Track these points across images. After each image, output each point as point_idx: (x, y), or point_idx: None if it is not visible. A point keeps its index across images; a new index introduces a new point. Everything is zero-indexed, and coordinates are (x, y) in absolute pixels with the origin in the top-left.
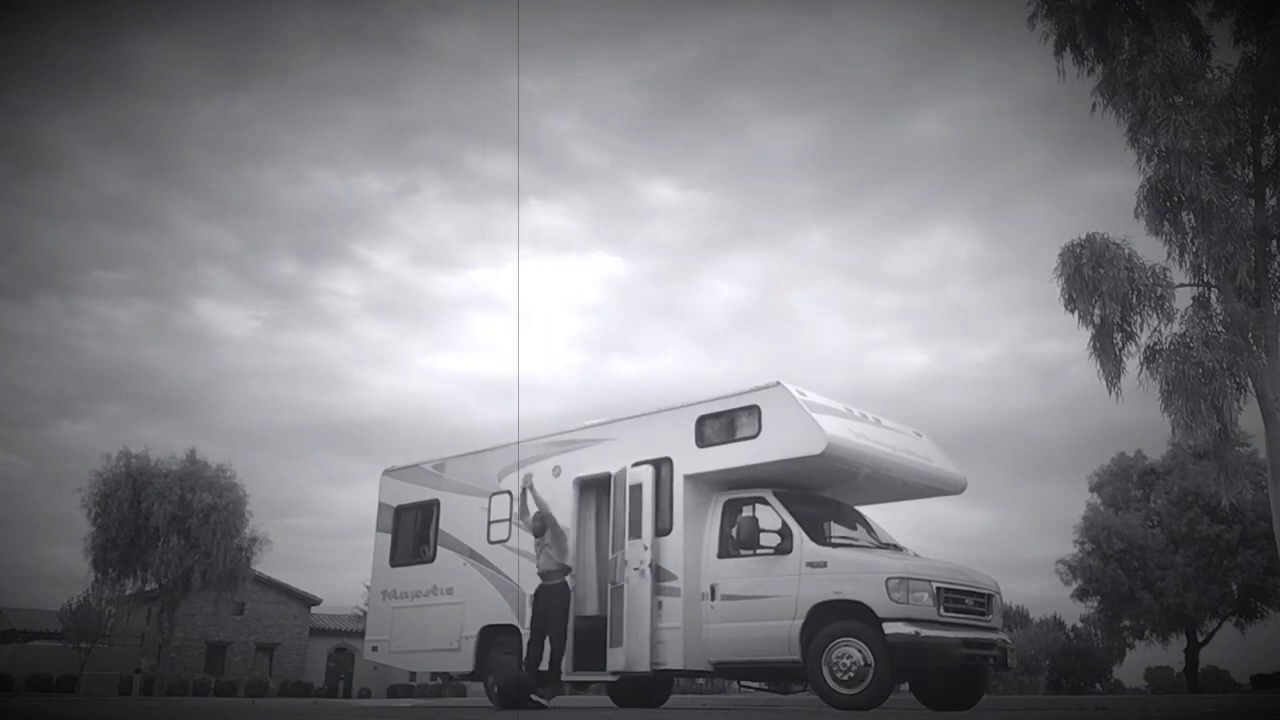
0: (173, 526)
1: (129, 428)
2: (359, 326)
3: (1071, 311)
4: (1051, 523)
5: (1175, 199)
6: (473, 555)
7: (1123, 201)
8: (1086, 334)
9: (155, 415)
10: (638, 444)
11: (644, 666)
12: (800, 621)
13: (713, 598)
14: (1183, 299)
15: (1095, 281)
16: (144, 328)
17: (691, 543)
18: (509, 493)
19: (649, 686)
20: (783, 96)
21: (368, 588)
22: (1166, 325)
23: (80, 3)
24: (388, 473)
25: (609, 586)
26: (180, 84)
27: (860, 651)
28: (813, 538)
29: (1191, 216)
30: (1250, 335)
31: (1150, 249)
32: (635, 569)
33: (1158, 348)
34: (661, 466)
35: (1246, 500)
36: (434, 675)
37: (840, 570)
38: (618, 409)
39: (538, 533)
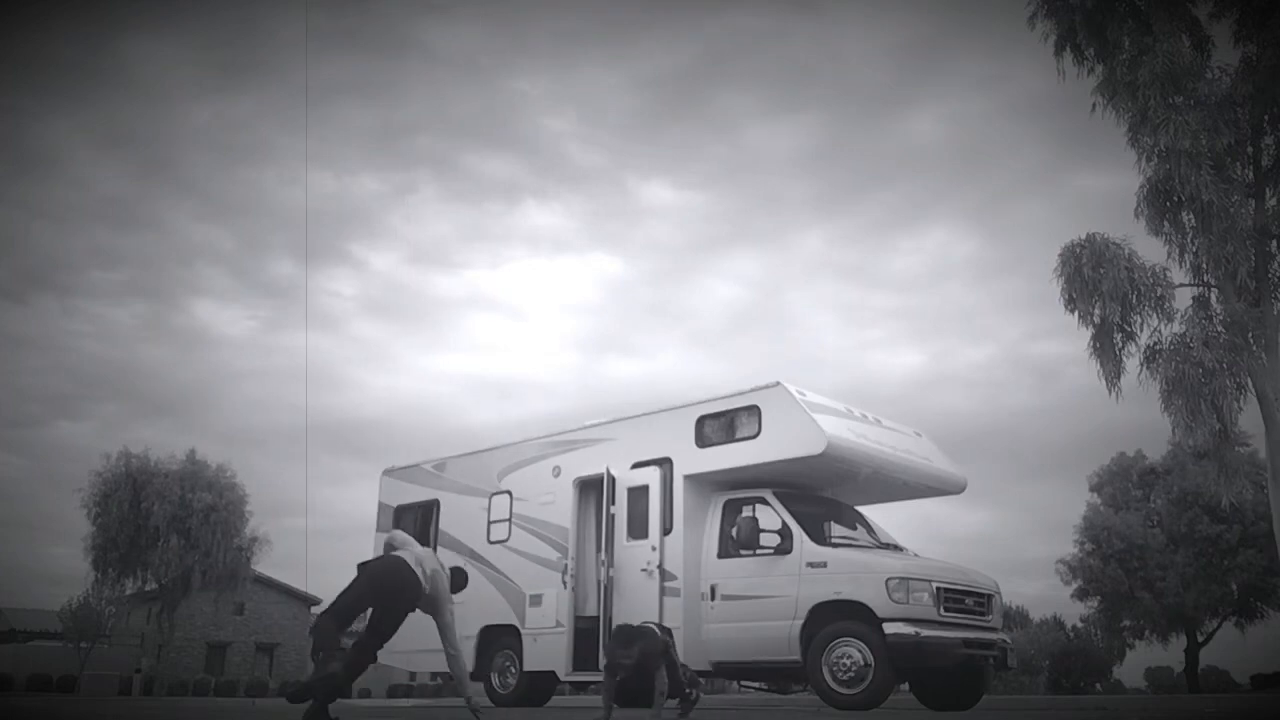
0: (173, 526)
1: (128, 427)
2: (356, 327)
3: (1071, 311)
4: (1051, 523)
5: (1175, 199)
6: (473, 555)
7: (1123, 201)
8: (1086, 334)
9: (153, 415)
10: (638, 444)
11: None
12: (800, 621)
13: (713, 598)
14: (1183, 299)
15: (1095, 281)
16: (142, 328)
17: (691, 543)
18: (509, 493)
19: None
20: (779, 97)
21: None
22: (1166, 325)
23: (78, 4)
24: (387, 473)
25: (599, 586)
26: (177, 85)
27: (860, 651)
28: (813, 538)
29: (1191, 216)
30: (1250, 335)
31: (1150, 249)
32: (643, 569)
33: (1158, 348)
34: (662, 466)
35: (1246, 500)
36: (434, 675)
37: (840, 570)
38: (616, 409)
39: None
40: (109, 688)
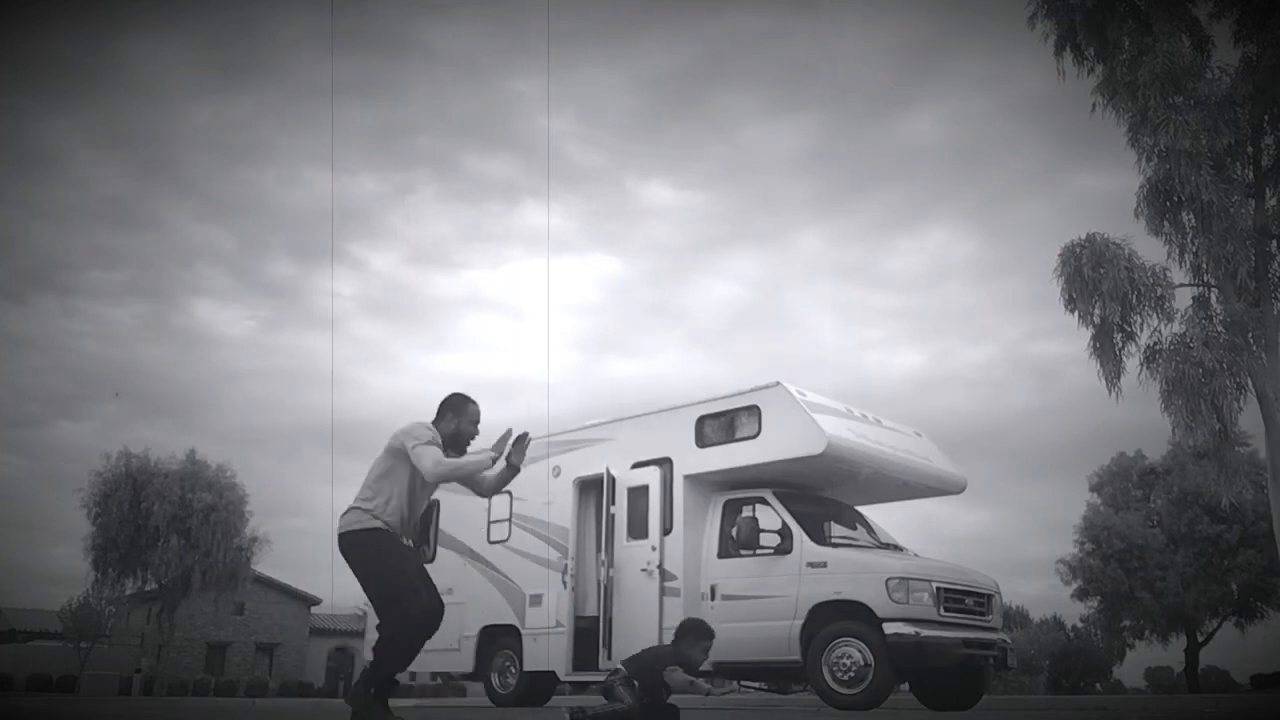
0: (173, 526)
1: (128, 427)
2: (356, 327)
3: (1071, 311)
4: (1051, 523)
5: (1175, 199)
6: (472, 555)
7: (1123, 201)
8: (1086, 334)
9: (153, 415)
10: (638, 444)
11: None
12: (800, 621)
13: (713, 598)
14: (1183, 299)
15: (1095, 281)
16: (142, 328)
17: (692, 543)
18: (509, 492)
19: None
20: (779, 97)
21: None
22: (1166, 325)
23: (78, 4)
24: None
25: (599, 586)
26: (177, 85)
27: (860, 651)
28: (813, 538)
29: (1191, 216)
30: (1250, 335)
31: (1150, 249)
32: (643, 569)
33: (1158, 348)
34: (662, 466)
35: (1246, 500)
36: (434, 675)
37: (840, 570)
38: (616, 409)
39: None
40: (109, 688)
